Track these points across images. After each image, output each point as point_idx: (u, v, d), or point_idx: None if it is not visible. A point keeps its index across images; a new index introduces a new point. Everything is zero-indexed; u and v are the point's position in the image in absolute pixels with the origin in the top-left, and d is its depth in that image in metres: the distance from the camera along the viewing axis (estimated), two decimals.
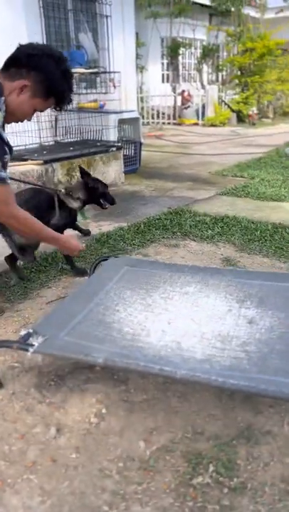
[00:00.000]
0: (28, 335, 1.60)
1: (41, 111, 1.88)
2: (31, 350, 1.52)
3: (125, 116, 5.45)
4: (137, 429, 1.46)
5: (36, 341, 1.56)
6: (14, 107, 1.75)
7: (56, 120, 5.14)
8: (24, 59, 1.71)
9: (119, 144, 5.03)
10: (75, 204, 2.55)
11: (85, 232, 2.85)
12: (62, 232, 2.52)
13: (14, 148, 4.44)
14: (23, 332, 1.63)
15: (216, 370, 1.43)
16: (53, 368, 1.77)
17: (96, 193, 2.64)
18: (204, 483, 1.24)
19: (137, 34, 10.68)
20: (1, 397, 1.61)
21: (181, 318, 1.79)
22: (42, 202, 2.48)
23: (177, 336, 1.65)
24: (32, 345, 1.54)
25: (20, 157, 4.07)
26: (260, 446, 1.38)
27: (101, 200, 2.68)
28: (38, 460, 1.34)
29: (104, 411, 1.54)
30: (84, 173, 2.63)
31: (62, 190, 2.57)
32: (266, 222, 3.44)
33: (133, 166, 5.57)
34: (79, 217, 2.66)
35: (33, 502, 1.20)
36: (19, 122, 1.89)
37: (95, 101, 5.60)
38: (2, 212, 1.76)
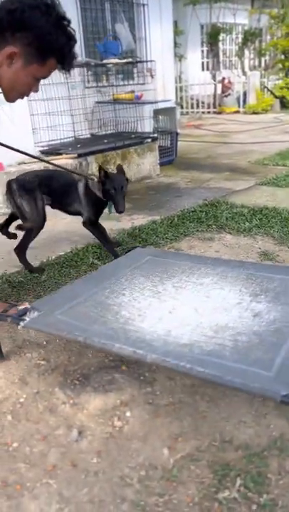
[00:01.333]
0: (25, 310, 1.66)
1: (45, 77, 1.54)
2: (22, 324, 1.60)
3: (161, 106, 5.34)
4: (161, 434, 1.39)
5: (29, 317, 1.62)
6: (9, 81, 1.46)
7: (92, 113, 5.11)
8: (5, 18, 1.37)
9: (155, 135, 4.94)
10: (98, 193, 2.53)
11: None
12: (96, 220, 2.65)
13: (49, 143, 4.46)
14: (21, 307, 1.68)
15: (192, 355, 1.39)
16: (79, 367, 1.73)
17: (105, 192, 2.50)
18: (231, 497, 1.16)
19: (175, 22, 10.49)
20: (26, 396, 1.59)
21: (185, 307, 1.75)
22: (60, 185, 2.59)
23: (171, 324, 1.61)
24: (24, 319, 1.60)
25: (55, 151, 4.07)
26: None
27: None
28: (59, 464, 1.30)
29: (128, 414, 1.48)
30: (101, 169, 2.51)
31: (95, 179, 2.55)
32: None
33: (169, 157, 5.46)
34: (106, 210, 2.63)
35: (51, 509, 1.17)
36: (26, 96, 1.57)
37: (132, 92, 5.52)
38: None
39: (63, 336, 1.56)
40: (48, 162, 2.73)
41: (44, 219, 2.56)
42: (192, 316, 1.69)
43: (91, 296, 1.85)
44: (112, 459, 1.31)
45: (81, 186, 2.58)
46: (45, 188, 2.55)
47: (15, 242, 2.57)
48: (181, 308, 1.76)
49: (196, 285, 1.95)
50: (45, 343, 1.89)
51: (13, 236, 2.59)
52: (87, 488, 1.22)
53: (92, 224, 2.64)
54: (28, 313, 1.64)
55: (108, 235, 2.81)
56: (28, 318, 1.61)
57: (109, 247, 2.69)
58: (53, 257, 2.74)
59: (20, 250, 2.55)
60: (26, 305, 1.70)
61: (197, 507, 1.15)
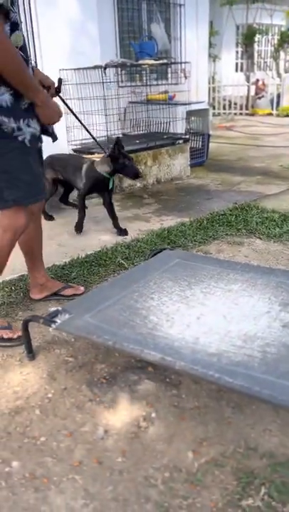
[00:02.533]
0: (57, 312, 1.71)
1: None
2: (53, 326, 1.64)
3: (194, 107, 5.32)
4: (186, 437, 1.40)
5: (60, 319, 1.66)
6: None
7: (125, 112, 5.15)
8: None
9: (186, 137, 4.92)
10: (102, 168, 3.04)
11: (120, 232, 3.23)
12: (86, 194, 3.25)
13: (83, 142, 4.74)
14: (52, 309, 1.74)
15: (221, 365, 1.39)
16: (106, 365, 1.76)
17: (117, 163, 3.00)
18: (254, 505, 1.16)
19: (211, 22, 10.42)
20: (54, 391, 1.62)
21: (214, 314, 1.76)
22: (69, 165, 3.28)
23: (199, 332, 1.62)
24: (56, 322, 1.64)
25: (88, 150, 4.12)
26: None
27: (125, 172, 3.08)
28: (84, 460, 1.33)
29: (153, 415, 1.50)
30: (116, 143, 2.99)
31: (96, 159, 3.13)
32: None
33: (200, 158, 5.44)
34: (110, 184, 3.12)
35: (77, 504, 1.19)
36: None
37: (165, 92, 5.52)
38: None
39: (93, 339, 1.58)
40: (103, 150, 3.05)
41: (50, 189, 3.37)
42: (220, 324, 1.69)
43: (120, 299, 1.87)
44: (136, 458, 1.33)
45: (84, 167, 3.16)
46: (57, 167, 3.32)
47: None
48: (209, 315, 1.77)
49: (225, 291, 1.95)
50: (73, 340, 1.93)
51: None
52: (112, 486, 1.25)
53: (81, 196, 3.21)
54: (59, 315, 1.68)
55: (114, 213, 3.25)
56: (59, 321, 1.65)
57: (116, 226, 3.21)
58: (83, 255, 2.78)
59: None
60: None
61: None
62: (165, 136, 4.88)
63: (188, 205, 3.91)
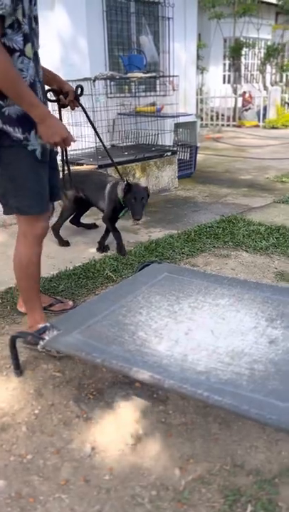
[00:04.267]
0: (45, 328, 1.70)
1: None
2: (42, 343, 1.63)
3: (182, 119, 5.38)
4: (173, 454, 1.40)
5: (49, 335, 1.65)
6: None
7: (114, 124, 5.18)
8: None
9: (174, 149, 4.97)
10: (120, 194, 2.92)
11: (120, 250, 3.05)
12: (113, 220, 3.08)
13: (71, 152, 4.69)
14: (41, 325, 1.72)
15: (209, 383, 1.40)
16: (93, 381, 1.76)
17: (125, 197, 2.90)
18: None
19: (199, 35, 10.58)
20: (41, 407, 1.62)
21: (202, 329, 1.77)
22: (93, 184, 3.11)
23: (187, 348, 1.63)
24: (44, 338, 1.64)
25: (76, 161, 4.14)
26: None
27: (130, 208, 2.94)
28: (71, 479, 1.32)
29: (140, 432, 1.50)
30: (129, 183, 2.92)
31: (125, 181, 2.96)
32: None
33: (188, 170, 5.50)
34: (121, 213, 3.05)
35: None
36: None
37: (153, 104, 5.58)
38: None
39: (82, 356, 1.58)
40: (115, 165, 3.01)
41: (70, 208, 3.26)
42: (208, 339, 1.70)
43: (109, 314, 1.87)
44: (124, 476, 1.33)
45: (108, 188, 3.02)
46: (77, 183, 3.06)
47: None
48: (197, 330, 1.78)
49: (212, 306, 1.97)
50: (60, 354, 1.92)
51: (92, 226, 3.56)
52: (99, 505, 1.24)
53: (108, 219, 3.06)
54: (47, 331, 1.67)
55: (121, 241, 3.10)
56: (47, 337, 1.65)
57: (119, 247, 3.05)
58: (71, 268, 2.78)
59: (54, 230, 3.22)
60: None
61: None
62: (153, 148, 4.92)
63: (176, 217, 3.94)
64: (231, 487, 1.28)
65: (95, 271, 2.73)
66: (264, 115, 11.36)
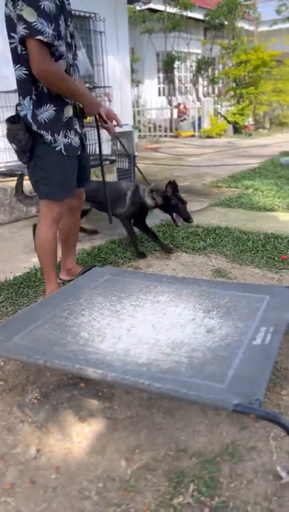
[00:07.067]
0: None
1: None
2: None
3: (118, 129, 5.47)
4: (119, 447, 1.43)
5: None
6: None
7: None
8: None
9: (113, 158, 5.04)
10: (148, 200, 3.11)
11: (165, 248, 3.21)
12: (130, 220, 3.25)
13: (6, 164, 4.67)
14: None
15: (151, 373, 1.46)
16: (37, 385, 1.75)
17: (169, 204, 3.09)
18: (185, 502, 1.21)
19: (132, 49, 10.84)
20: None
21: (143, 325, 1.83)
22: (113, 194, 3.07)
23: (130, 344, 1.68)
24: None
25: (12, 172, 4.09)
26: (244, 462, 1.35)
27: (174, 214, 3.12)
28: (17, 482, 1.31)
29: (86, 429, 1.51)
30: (170, 184, 3.07)
31: (151, 186, 3.17)
32: (258, 233, 3.42)
33: (128, 179, 5.58)
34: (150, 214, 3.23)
35: None
36: None
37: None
38: (36, 66, 1.94)
39: (23, 360, 1.58)
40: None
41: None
42: (150, 334, 1.75)
43: (50, 318, 1.88)
44: (70, 473, 1.34)
45: (129, 193, 3.18)
46: (92, 197, 3.06)
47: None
48: (139, 326, 1.83)
49: (153, 303, 2.03)
50: (2, 363, 1.90)
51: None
52: (46, 503, 1.24)
53: (127, 218, 3.20)
54: None
55: (158, 237, 3.31)
56: None
57: (161, 245, 3.22)
58: (11, 278, 2.74)
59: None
60: None
61: None
62: (92, 157, 4.95)
63: (118, 223, 3.97)
64: (175, 470, 1.32)
65: (37, 279, 2.71)
66: (199, 125, 11.80)
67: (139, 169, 3.02)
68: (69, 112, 2.17)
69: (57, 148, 2.14)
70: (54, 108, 2.10)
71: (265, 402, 1.57)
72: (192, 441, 1.44)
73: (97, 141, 2.87)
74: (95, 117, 2.39)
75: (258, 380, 1.39)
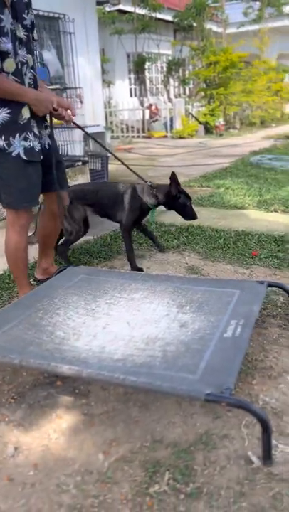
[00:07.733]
0: None
1: None
2: None
3: (90, 130, 5.49)
4: (96, 442, 1.46)
5: None
6: None
7: None
8: None
9: (85, 159, 5.06)
10: (149, 199, 2.88)
11: (161, 249, 3.17)
12: (132, 228, 2.97)
13: None
14: None
15: (126, 368, 1.49)
16: (13, 386, 1.75)
17: (175, 201, 2.92)
18: (161, 490, 1.25)
19: (102, 50, 10.86)
20: None
21: (118, 322, 1.87)
22: (106, 198, 2.93)
23: (105, 341, 1.71)
24: None
25: None
26: (217, 450, 1.40)
27: (184, 212, 2.97)
28: None
29: (64, 426, 1.53)
30: (173, 180, 2.91)
31: (149, 184, 2.93)
32: (229, 230, 3.51)
33: (101, 179, 5.60)
34: (150, 216, 2.99)
35: None
36: None
37: None
38: None
39: None
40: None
41: (81, 227, 2.91)
42: (125, 330, 1.79)
43: (25, 318, 1.88)
44: (48, 469, 1.36)
45: (127, 196, 2.89)
46: (89, 201, 2.90)
47: None
48: (114, 323, 1.86)
49: (128, 300, 2.06)
50: None
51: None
52: (25, 499, 1.25)
53: (128, 231, 2.91)
54: None
55: (156, 239, 3.23)
56: None
57: (158, 245, 3.16)
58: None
59: (61, 249, 2.91)
60: None
61: (130, 503, 1.22)
62: (64, 158, 4.95)
63: (92, 224, 3.98)
64: (151, 461, 1.36)
65: (10, 281, 2.70)
66: (171, 126, 11.90)
67: (130, 169, 2.92)
68: (27, 113, 2.03)
69: (13, 153, 2.00)
70: (8, 111, 1.98)
71: (237, 391, 1.63)
72: (167, 433, 1.48)
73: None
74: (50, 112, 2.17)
75: (229, 370, 1.44)
